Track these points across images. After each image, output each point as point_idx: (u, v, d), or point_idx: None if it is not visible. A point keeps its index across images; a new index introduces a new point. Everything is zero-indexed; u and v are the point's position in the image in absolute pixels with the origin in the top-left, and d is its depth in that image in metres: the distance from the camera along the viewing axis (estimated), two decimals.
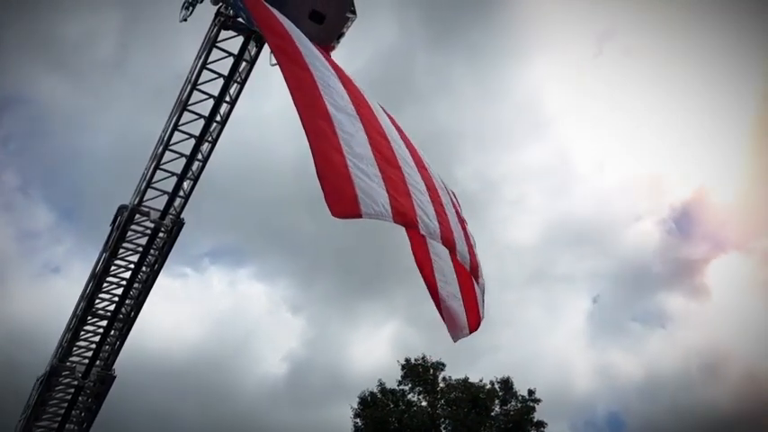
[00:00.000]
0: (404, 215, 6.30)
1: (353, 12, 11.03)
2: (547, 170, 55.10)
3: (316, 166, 5.61)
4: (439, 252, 7.70)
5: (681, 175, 60.59)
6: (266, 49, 11.70)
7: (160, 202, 13.01)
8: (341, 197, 5.72)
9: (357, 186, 5.85)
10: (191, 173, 12.62)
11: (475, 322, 7.96)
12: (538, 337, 49.89)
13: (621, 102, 61.22)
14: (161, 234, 13.03)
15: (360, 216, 5.86)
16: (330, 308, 53.07)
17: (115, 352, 14.25)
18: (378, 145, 6.78)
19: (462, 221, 8.23)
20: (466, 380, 29.32)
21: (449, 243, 7.16)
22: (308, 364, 48.29)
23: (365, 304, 53.95)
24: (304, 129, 5.89)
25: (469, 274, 7.84)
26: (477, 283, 8.06)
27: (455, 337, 7.95)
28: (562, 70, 59.80)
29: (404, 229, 7.00)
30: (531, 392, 28.95)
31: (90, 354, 13.92)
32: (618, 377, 48.00)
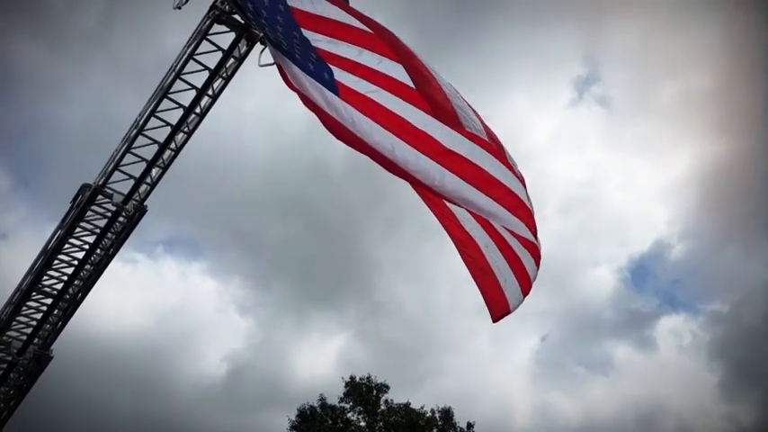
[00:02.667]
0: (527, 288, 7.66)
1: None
2: None
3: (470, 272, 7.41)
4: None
5: (642, 228, 62.09)
6: (256, 48, 11.72)
7: (124, 186, 12.80)
8: (497, 305, 7.41)
9: (504, 289, 7.45)
10: (161, 161, 12.43)
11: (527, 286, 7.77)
12: (482, 368, 50.11)
13: (594, 148, 62.63)
14: (121, 218, 12.76)
15: (510, 313, 7.48)
16: (281, 313, 52.52)
17: (56, 332, 13.81)
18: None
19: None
20: (407, 405, 29.20)
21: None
22: (249, 367, 47.55)
23: (317, 314, 53.56)
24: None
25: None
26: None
27: (495, 317, 7.72)
28: (542, 108, 61.02)
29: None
30: (470, 425, 28.99)
31: (29, 331, 13.46)
32: (556, 419, 48.44)
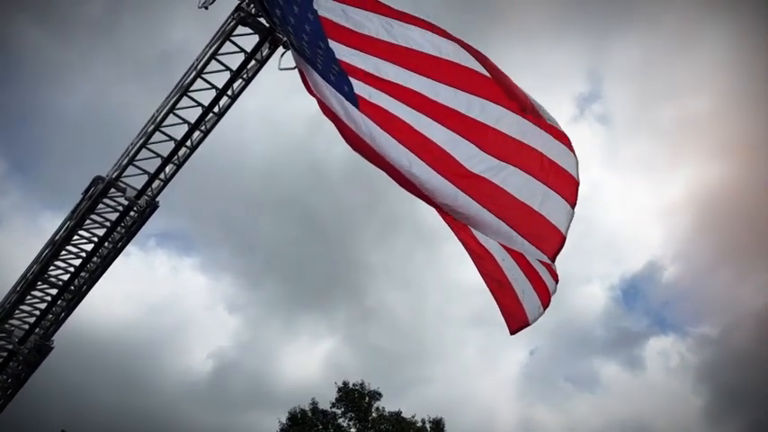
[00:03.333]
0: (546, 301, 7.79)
1: None
2: None
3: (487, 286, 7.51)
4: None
5: (636, 248, 62.35)
6: (278, 51, 11.77)
7: (135, 180, 12.81)
8: (515, 317, 7.53)
9: (522, 301, 7.53)
10: (176, 158, 12.45)
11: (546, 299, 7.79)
12: (469, 378, 50.05)
13: (592, 165, 62.79)
14: (132, 213, 12.75)
15: (528, 325, 7.59)
16: (270, 313, 52.36)
17: (58, 323, 13.75)
18: None
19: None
20: (399, 413, 29.18)
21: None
22: (235, 366, 47.37)
23: (307, 316, 53.43)
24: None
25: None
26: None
27: (513, 330, 7.83)
28: None
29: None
30: None
31: (32, 320, 13.42)
32: None
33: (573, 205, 7.35)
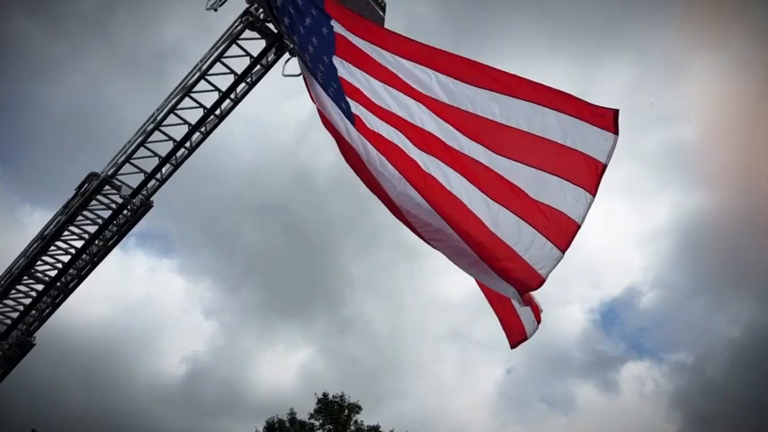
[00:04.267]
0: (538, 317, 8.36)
1: None
2: None
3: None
4: None
5: (616, 272, 62.79)
6: (283, 57, 11.76)
7: (130, 179, 12.64)
8: (515, 332, 8.08)
9: (521, 315, 8.06)
10: (174, 158, 12.33)
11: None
12: (444, 394, 49.60)
13: None
14: (126, 212, 12.57)
15: (527, 339, 8.22)
16: (247, 320, 51.65)
17: (42, 319, 13.46)
18: None
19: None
20: (377, 428, 28.95)
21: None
22: (208, 371, 46.62)
23: (284, 325, 52.86)
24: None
25: None
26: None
27: (513, 344, 8.35)
28: None
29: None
30: None
31: (15, 315, 13.11)
32: None
33: (592, 192, 6.78)
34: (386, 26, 10.97)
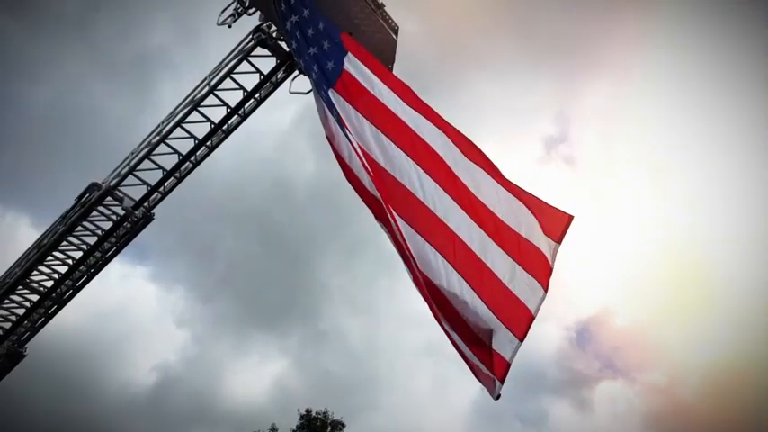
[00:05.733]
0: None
1: (390, 71, 11.34)
2: None
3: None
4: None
5: (592, 291, 63.47)
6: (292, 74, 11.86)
7: (131, 190, 12.55)
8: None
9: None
10: (178, 172, 12.28)
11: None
12: (419, 410, 49.29)
13: (556, 205, 63.63)
14: (126, 224, 12.47)
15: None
16: (220, 330, 50.96)
17: (34, 330, 13.24)
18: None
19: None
20: None
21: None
22: (179, 381, 45.94)
23: (258, 336, 52.20)
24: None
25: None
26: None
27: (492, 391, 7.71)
28: (510, 163, 62.28)
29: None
30: None
31: (8, 326, 12.88)
32: None
33: (545, 289, 7.74)
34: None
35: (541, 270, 7.82)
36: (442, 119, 8.38)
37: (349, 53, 8.59)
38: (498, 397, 7.56)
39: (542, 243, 7.94)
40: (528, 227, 8.00)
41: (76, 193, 12.28)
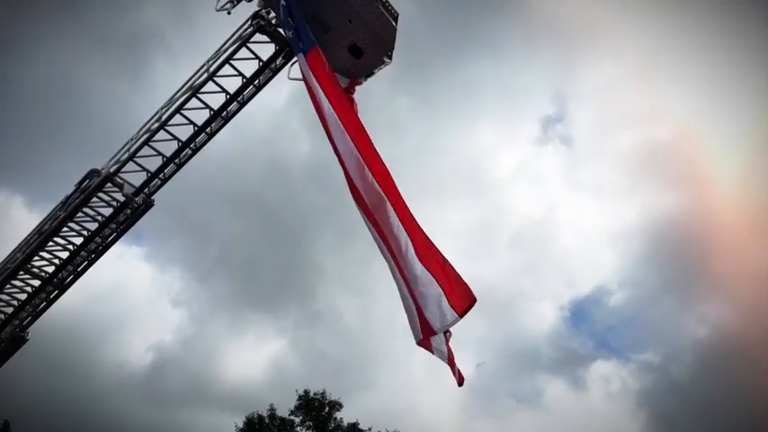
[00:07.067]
0: None
1: (390, 57, 11.36)
2: (467, 231, 56.53)
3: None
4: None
5: (587, 271, 64.03)
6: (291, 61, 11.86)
7: (131, 177, 12.59)
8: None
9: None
10: (178, 159, 12.32)
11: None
12: (413, 388, 49.90)
13: (552, 186, 64.24)
14: (127, 210, 12.53)
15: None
16: (216, 311, 51.30)
17: (36, 315, 13.38)
18: None
19: None
20: (356, 425, 29.20)
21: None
22: (175, 361, 46.29)
23: (254, 316, 52.63)
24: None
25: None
26: None
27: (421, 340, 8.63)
28: (508, 141, 62.47)
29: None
30: None
31: (10, 310, 12.99)
32: None
33: (459, 314, 8.22)
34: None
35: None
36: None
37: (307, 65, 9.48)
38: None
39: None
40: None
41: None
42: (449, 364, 8.79)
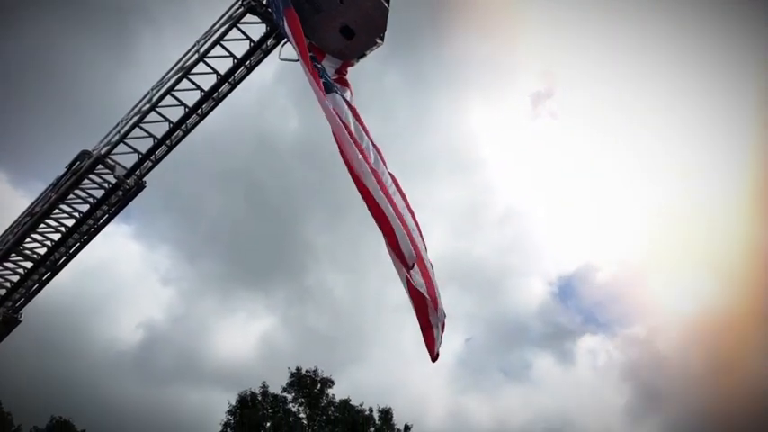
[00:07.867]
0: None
1: (382, 39, 11.30)
2: (456, 209, 56.83)
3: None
4: None
5: (575, 247, 64.77)
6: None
7: (122, 158, 12.55)
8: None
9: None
10: (169, 140, 12.28)
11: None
12: (403, 363, 50.32)
13: (541, 165, 64.55)
14: (119, 192, 12.51)
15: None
16: (206, 288, 51.32)
17: (29, 296, 13.39)
18: None
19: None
20: (348, 401, 29.57)
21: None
22: (165, 338, 46.45)
23: (245, 293, 52.71)
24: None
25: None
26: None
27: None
28: (497, 119, 62.56)
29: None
30: (407, 427, 29.64)
31: (3, 292, 13.01)
32: (468, 420, 49.32)
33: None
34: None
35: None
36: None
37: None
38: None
39: None
40: None
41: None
42: (426, 340, 9.15)
